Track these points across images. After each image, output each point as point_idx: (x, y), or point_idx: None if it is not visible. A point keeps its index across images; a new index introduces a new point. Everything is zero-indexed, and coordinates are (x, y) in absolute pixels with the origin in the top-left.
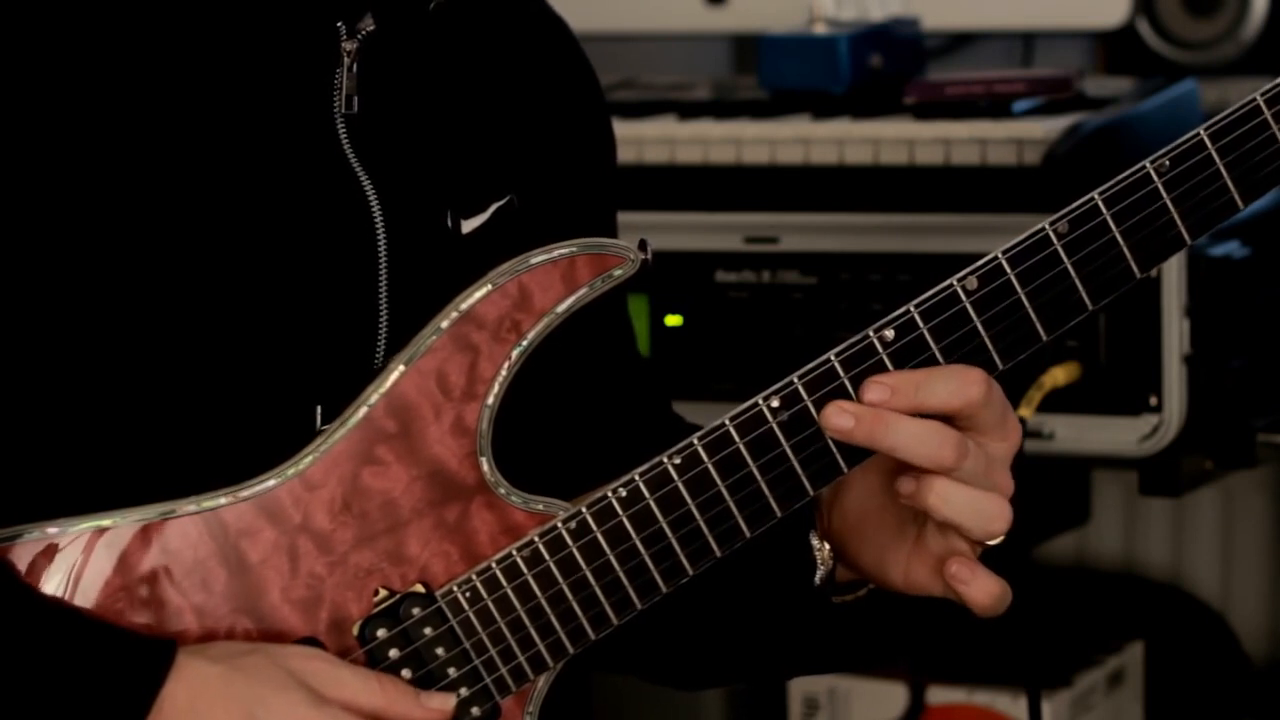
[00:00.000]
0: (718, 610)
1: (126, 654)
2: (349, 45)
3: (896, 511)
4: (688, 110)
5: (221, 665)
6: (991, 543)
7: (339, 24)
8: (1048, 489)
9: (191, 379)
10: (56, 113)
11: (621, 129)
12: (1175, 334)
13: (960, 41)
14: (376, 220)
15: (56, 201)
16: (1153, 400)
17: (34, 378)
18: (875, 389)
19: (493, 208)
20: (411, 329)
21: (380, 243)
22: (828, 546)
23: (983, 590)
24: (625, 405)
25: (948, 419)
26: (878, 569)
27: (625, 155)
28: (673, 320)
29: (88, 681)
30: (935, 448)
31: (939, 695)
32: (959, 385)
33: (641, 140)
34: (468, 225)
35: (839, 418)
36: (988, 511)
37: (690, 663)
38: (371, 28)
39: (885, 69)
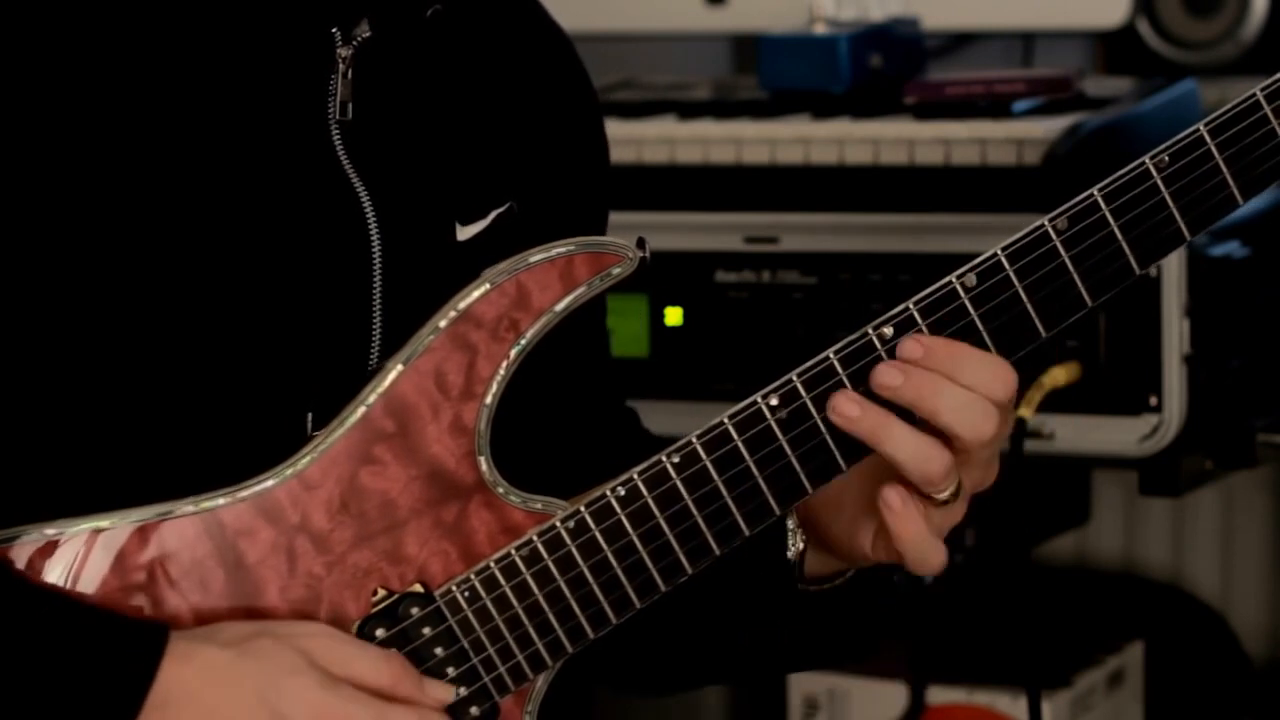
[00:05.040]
0: (693, 605)
1: (121, 637)
2: (344, 51)
3: (871, 485)
4: (688, 110)
5: (231, 650)
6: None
7: (334, 30)
8: (1048, 489)
9: (185, 385)
10: (50, 118)
11: (621, 129)
12: (1175, 334)
13: (960, 41)
14: (371, 227)
15: (51, 205)
16: (1153, 400)
17: (31, 381)
18: (910, 345)
19: (492, 214)
20: (406, 337)
21: (375, 250)
22: (801, 532)
23: (909, 523)
24: (598, 404)
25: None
26: (848, 539)
27: (625, 155)
28: (673, 319)
29: (82, 666)
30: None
31: (939, 695)
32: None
33: (641, 140)
34: (465, 232)
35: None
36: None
37: (663, 663)
38: (367, 34)
39: (885, 69)
